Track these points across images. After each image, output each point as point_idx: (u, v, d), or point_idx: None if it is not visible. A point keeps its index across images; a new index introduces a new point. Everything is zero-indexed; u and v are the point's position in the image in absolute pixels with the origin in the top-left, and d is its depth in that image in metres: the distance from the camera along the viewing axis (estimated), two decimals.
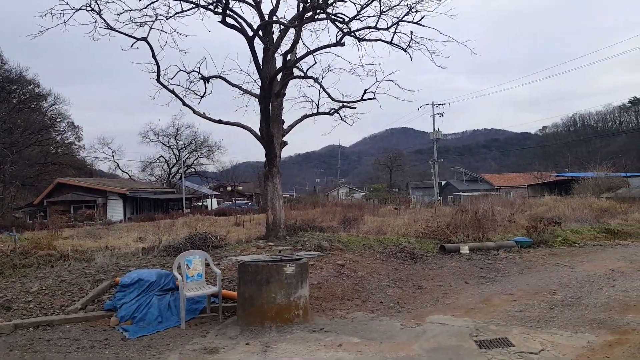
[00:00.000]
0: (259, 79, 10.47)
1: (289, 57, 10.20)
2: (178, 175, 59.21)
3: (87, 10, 9.48)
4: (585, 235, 13.70)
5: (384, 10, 9.51)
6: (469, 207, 15.62)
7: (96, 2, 9.42)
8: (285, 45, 10.89)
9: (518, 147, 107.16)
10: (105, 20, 9.64)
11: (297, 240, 10.13)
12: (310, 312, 6.51)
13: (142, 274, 7.23)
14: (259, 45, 10.22)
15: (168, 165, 62.20)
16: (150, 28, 9.84)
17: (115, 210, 36.31)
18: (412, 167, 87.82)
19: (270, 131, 10.45)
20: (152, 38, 9.82)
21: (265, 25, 10.06)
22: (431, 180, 56.18)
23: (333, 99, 10.95)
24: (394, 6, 9.86)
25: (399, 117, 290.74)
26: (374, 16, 10.16)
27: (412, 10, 9.50)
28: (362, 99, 10.62)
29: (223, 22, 9.17)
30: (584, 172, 40.98)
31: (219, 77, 10.78)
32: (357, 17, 10.27)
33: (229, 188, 60.01)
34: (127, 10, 9.76)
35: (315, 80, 10.32)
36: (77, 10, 9.37)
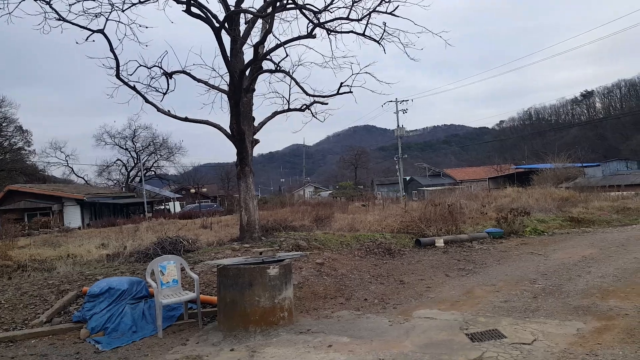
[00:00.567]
0: (227, 74, 10.09)
1: (259, 50, 9.88)
2: (137, 179, 57.53)
3: (35, 0, 8.82)
4: (552, 224, 14.04)
5: (355, 0, 9.32)
6: (440, 201, 15.77)
7: None
8: (255, 37, 10.58)
9: (477, 141, 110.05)
10: (56, 11, 8.92)
11: (273, 241, 9.88)
12: (294, 313, 6.30)
13: (112, 283, 6.84)
14: (226, 37, 9.86)
15: (126, 169, 60.51)
16: (107, 19, 9.20)
17: (73, 217, 34.97)
18: (377, 164, 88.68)
19: (241, 129, 10.12)
20: (109, 30, 9.26)
21: (232, 15, 9.69)
22: (395, 177, 56.77)
23: (307, 94, 10.72)
24: None
25: (361, 116, 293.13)
26: (345, 7, 9.99)
27: (385, 0, 9.36)
28: (338, 93, 10.44)
29: (187, 11, 8.76)
30: (541, 163, 42.40)
31: (183, 72, 10.35)
32: (328, 9, 10.07)
33: (193, 190, 58.71)
34: (80, 0, 9.10)
35: (287, 73, 10.07)
36: None
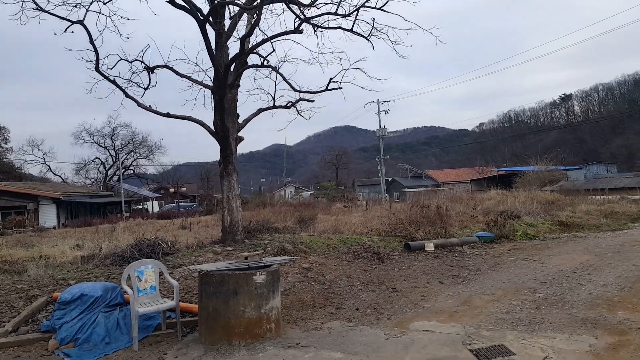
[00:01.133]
0: (211, 69, 9.67)
1: (245, 44, 9.38)
2: (115, 178, 56.22)
3: None
4: (541, 228, 13.81)
5: None
6: (427, 203, 15.44)
7: None
8: (241, 31, 10.09)
9: (457, 143, 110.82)
10: (34, 0, 8.47)
11: (257, 244, 9.37)
12: (282, 324, 5.81)
13: (85, 289, 6.28)
14: (211, 32, 9.36)
15: (104, 167, 59.08)
16: (87, 10, 8.74)
17: (48, 216, 33.83)
18: (358, 165, 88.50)
19: (226, 125, 9.59)
20: (90, 22, 8.73)
21: (218, 7, 9.18)
22: (376, 178, 56.51)
23: (295, 90, 10.30)
24: None
25: (343, 116, 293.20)
26: (332, 2, 9.58)
27: None
28: (327, 89, 10.01)
29: (172, 2, 8.24)
30: (522, 166, 42.62)
31: (166, 66, 9.89)
32: (314, 5, 9.63)
33: (172, 190, 57.50)
34: None
35: (274, 68, 9.61)
36: None
